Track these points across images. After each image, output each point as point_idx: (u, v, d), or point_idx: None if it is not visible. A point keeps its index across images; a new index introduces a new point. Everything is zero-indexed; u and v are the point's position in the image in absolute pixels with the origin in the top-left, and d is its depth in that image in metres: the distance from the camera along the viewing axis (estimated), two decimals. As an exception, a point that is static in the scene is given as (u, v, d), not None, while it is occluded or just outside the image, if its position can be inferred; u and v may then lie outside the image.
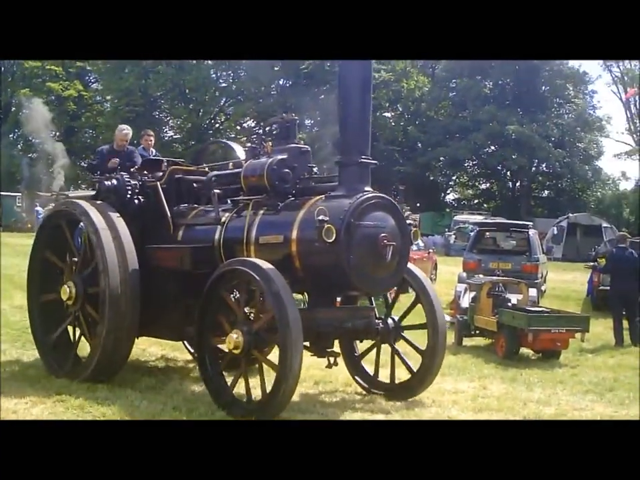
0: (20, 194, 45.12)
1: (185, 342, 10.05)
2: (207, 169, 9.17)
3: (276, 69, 50.28)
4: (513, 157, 48.83)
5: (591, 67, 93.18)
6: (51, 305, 9.11)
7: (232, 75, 53.84)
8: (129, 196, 8.62)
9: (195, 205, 8.82)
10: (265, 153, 7.96)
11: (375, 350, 8.37)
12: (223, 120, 54.32)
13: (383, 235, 7.06)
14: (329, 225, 6.78)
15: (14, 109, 48.31)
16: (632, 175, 56.45)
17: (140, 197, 8.66)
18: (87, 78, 55.45)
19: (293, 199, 7.74)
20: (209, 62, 51.08)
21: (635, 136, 54.41)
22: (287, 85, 52.60)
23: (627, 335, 13.14)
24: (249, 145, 8.32)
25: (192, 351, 10.09)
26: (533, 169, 52.96)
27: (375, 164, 7.40)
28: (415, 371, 8.02)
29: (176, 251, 8.18)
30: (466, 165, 56.52)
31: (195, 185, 8.96)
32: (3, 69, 43.41)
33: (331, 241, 6.80)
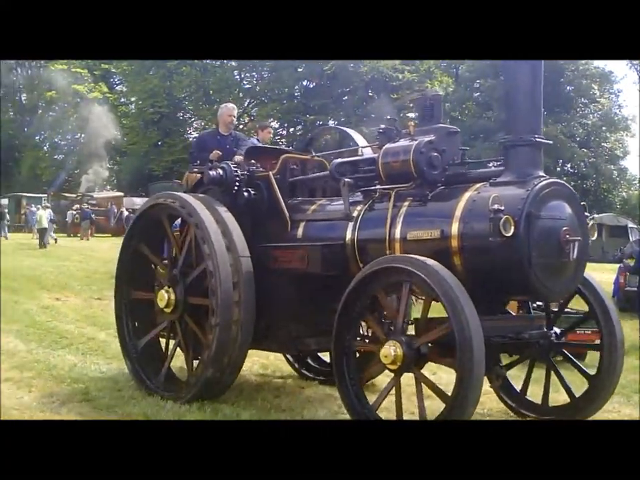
0: (45, 195, 44.47)
1: (289, 355, 9.00)
2: (321, 159, 8.11)
3: (299, 70, 49.65)
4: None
5: (617, 66, 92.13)
6: (143, 304, 8.13)
7: (255, 76, 53.11)
8: (236, 188, 7.53)
9: (312, 198, 7.74)
10: (407, 134, 6.84)
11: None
12: (247, 121, 53.47)
13: (565, 228, 5.97)
14: (507, 216, 5.70)
15: (40, 111, 47.90)
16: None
17: (249, 189, 7.56)
18: (112, 80, 54.88)
19: (443, 187, 6.63)
20: (233, 63, 50.47)
21: (660, 136, 53.34)
22: (310, 86, 51.79)
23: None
24: (382, 126, 7.18)
25: (297, 365, 9.07)
26: (558, 169, 51.88)
27: (549, 144, 6.32)
28: (574, 395, 6.96)
29: (301, 250, 7.08)
30: (490, 165, 55.42)
31: (310, 175, 7.87)
32: (30, 72, 43.21)
33: (509, 234, 5.71)
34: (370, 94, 47.31)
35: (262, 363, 9.42)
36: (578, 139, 48.97)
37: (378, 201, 6.91)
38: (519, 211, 5.81)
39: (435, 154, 6.58)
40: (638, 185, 56.22)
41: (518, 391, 7.34)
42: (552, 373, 7.09)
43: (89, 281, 18.52)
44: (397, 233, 6.52)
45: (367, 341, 6.86)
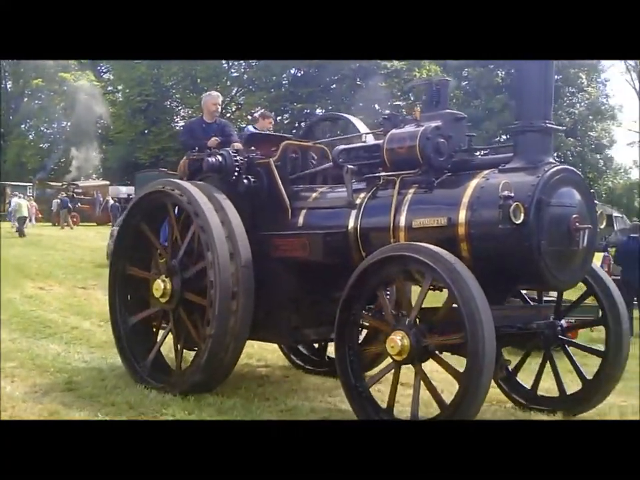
0: (31, 184, 44.05)
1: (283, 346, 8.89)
2: (323, 146, 7.96)
3: (287, 58, 49.18)
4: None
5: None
6: (137, 281, 7.99)
7: (243, 64, 52.68)
8: (236, 175, 7.37)
9: (313, 186, 7.60)
10: (412, 120, 6.70)
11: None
12: (234, 109, 53.15)
13: (574, 216, 5.86)
14: (517, 203, 5.57)
15: (26, 99, 47.30)
16: (643, 163, 55.45)
17: (249, 176, 7.39)
18: (99, 68, 54.32)
19: (449, 174, 6.50)
20: (221, 51, 49.95)
21: (647, 125, 53.35)
22: (299, 74, 51.50)
23: (638, 324, 12.96)
24: (387, 112, 7.04)
25: (292, 357, 8.95)
26: (544, 157, 51.92)
27: (560, 130, 6.20)
28: (565, 392, 6.91)
29: (303, 238, 6.94)
30: (477, 154, 55.29)
31: (311, 163, 7.72)
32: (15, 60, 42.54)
33: (519, 222, 5.58)
34: (358, 82, 47.05)
35: (246, 351, 9.19)
36: (565, 128, 48.88)
37: (382, 188, 6.78)
38: (529, 198, 5.69)
39: (442, 140, 6.46)
40: (623, 173, 56.47)
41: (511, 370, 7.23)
42: (547, 364, 7.05)
43: (74, 270, 18.45)
44: (402, 221, 6.38)
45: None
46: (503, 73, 53.05)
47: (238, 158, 7.39)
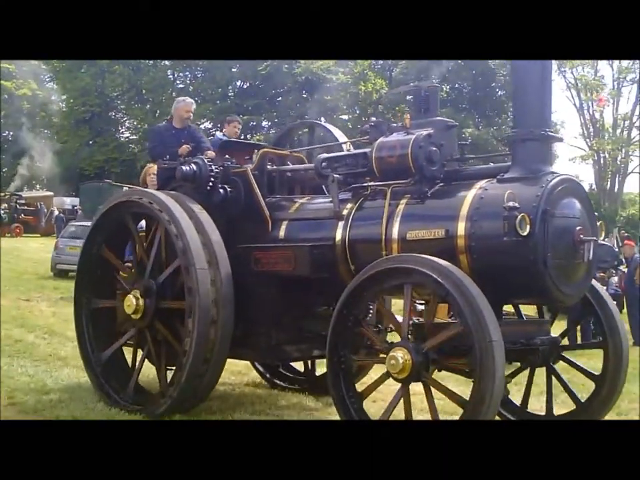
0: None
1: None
2: (300, 154, 7.62)
3: (233, 70, 49.01)
4: (470, 160, 48.04)
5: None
6: (104, 313, 7.55)
7: (189, 75, 52.28)
8: (211, 185, 6.94)
9: (292, 196, 7.23)
10: (401, 127, 6.37)
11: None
12: (180, 121, 52.62)
13: (578, 228, 5.59)
14: (522, 214, 5.28)
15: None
16: (585, 179, 56.42)
17: (225, 186, 6.98)
18: (42, 77, 53.15)
19: (442, 184, 6.18)
20: (166, 62, 49.37)
21: (588, 141, 54.29)
22: (244, 86, 51.21)
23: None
24: (373, 119, 6.71)
25: (262, 370, 8.58)
26: (490, 172, 52.37)
27: (560, 140, 5.94)
28: (580, 401, 6.55)
29: (287, 251, 6.54)
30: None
31: (288, 172, 7.34)
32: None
33: (524, 234, 5.29)
34: (304, 95, 46.97)
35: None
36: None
37: (370, 199, 6.46)
38: (534, 209, 5.40)
39: (434, 149, 6.15)
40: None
41: (518, 404, 6.93)
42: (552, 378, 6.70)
43: (17, 282, 17.90)
44: (395, 233, 6.05)
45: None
46: (448, 87, 53.50)
47: (213, 167, 6.98)
